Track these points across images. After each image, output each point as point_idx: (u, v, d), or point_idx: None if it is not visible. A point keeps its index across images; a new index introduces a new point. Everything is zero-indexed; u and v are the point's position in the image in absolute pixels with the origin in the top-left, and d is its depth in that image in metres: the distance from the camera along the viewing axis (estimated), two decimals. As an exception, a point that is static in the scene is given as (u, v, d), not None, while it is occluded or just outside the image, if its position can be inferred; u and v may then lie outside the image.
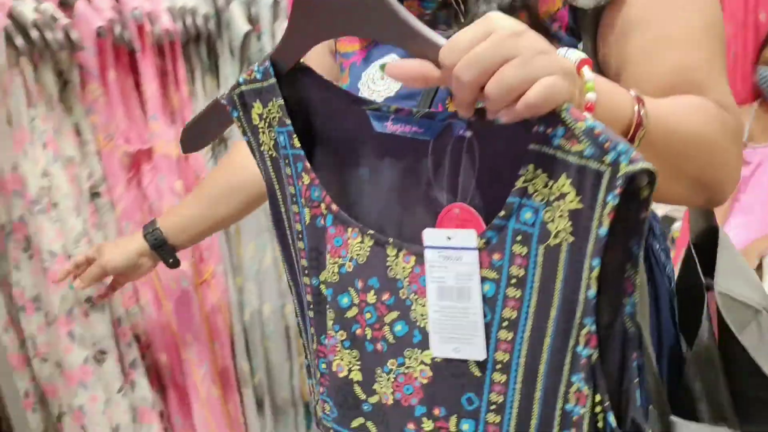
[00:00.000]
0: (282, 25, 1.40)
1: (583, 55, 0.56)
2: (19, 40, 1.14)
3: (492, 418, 0.60)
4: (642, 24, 0.65)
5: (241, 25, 1.34)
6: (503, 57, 0.50)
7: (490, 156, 0.57)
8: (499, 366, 0.59)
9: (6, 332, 1.26)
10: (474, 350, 0.59)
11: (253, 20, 1.39)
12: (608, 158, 0.49)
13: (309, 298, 0.70)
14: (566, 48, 0.58)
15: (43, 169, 1.20)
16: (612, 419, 0.54)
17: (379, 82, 0.72)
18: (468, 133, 0.57)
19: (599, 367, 0.54)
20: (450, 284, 0.59)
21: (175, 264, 1.13)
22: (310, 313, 0.70)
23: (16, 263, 1.25)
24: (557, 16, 0.66)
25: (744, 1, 1.95)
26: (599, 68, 0.67)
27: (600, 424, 0.54)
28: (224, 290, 1.44)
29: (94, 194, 1.31)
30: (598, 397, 0.54)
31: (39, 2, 1.18)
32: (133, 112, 1.34)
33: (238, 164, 1.00)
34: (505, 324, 0.57)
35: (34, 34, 1.15)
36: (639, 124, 0.56)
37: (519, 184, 0.54)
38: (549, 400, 0.56)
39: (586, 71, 0.55)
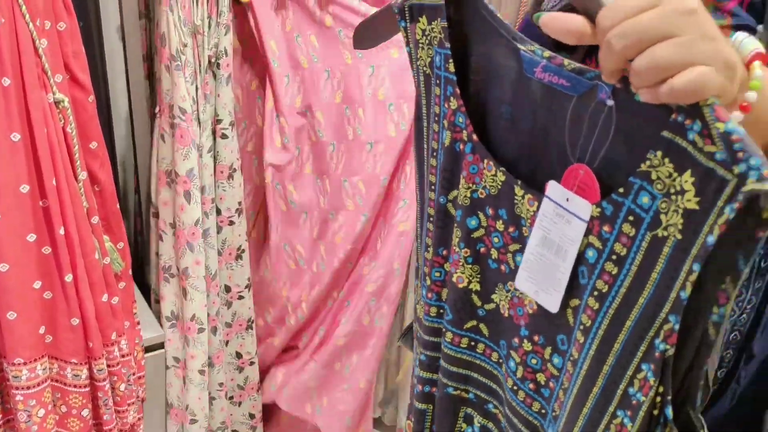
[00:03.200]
0: None
1: (760, 48, 0.51)
2: None
3: (569, 367, 0.63)
4: None
5: None
6: (663, 33, 0.47)
7: (625, 130, 0.56)
8: (582, 327, 0.61)
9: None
10: (550, 301, 0.63)
11: None
12: (738, 169, 0.47)
13: (431, 211, 0.74)
14: (745, 35, 0.52)
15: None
16: (669, 412, 0.55)
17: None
18: (610, 102, 0.55)
19: (671, 363, 0.54)
20: (553, 238, 0.61)
21: None
22: (429, 225, 0.75)
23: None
24: None
25: None
26: None
27: (656, 412, 0.56)
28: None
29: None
30: (661, 389, 0.55)
31: None
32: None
33: None
34: (595, 293, 0.59)
35: None
36: None
37: (644, 167, 0.53)
38: (615, 378, 0.58)
39: (757, 67, 0.50)
